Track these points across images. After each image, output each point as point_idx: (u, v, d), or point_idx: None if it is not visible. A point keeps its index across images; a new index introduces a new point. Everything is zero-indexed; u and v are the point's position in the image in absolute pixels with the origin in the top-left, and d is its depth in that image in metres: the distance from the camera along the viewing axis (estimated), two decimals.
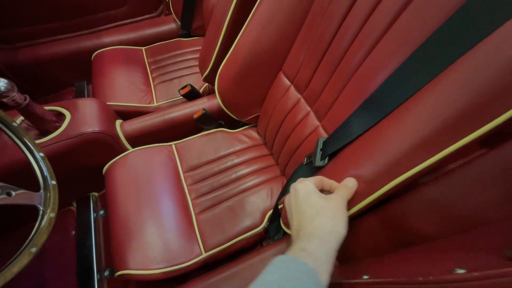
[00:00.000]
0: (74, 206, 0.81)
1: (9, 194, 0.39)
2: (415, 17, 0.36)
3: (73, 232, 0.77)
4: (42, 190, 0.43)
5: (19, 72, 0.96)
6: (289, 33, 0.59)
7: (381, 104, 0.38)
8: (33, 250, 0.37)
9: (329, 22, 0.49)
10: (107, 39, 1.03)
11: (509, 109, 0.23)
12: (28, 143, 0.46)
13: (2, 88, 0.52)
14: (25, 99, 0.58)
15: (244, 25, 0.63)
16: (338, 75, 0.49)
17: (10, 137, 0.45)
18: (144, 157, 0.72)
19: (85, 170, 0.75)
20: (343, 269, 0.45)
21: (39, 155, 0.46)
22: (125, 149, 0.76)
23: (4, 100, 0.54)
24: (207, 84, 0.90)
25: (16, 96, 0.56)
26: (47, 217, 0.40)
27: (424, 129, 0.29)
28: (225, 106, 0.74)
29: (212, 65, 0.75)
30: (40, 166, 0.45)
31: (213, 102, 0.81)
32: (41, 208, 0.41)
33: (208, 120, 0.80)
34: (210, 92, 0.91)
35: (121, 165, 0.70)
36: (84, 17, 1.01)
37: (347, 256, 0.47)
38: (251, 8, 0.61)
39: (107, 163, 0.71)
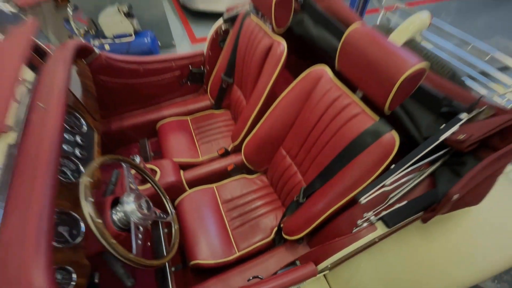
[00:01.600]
0: None
1: (160, 217, 0.83)
2: (336, 141, 0.84)
3: (149, 244, 1.18)
4: (171, 215, 0.88)
5: (107, 135, 1.44)
6: (288, 125, 1.07)
7: (329, 173, 0.85)
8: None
9: (307, 125, 0.97)
10: (165, 112, 1.52)
11: (365, 182, 0.70)
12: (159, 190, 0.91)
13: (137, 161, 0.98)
14: (140, 161, 1.03)
15: (264, 118, 1.11)
16: (311, 154, 0.97)
17: (153, 185, 0.91)
18: (198, 194, 1.16)
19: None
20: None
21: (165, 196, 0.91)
22: (185, 190, 1.20)
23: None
24: (233, 144, 1.36)
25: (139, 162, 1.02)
26: (174, 229, 0.84)
27: (344, 186, 0.76)
28: (247, 162, 1.21)
29: (241, 139, 1.23)
30: (167, 201, 0.90)
31: (239, 159, 1.27)
32: (174, 225, 0.85)
33: (236, 171, 1.27)
34: (235, 151, 1.37)
35: (186, 200, 1.14)
36: (153, 99, 1.52)
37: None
38: (268, 107, 1.09)
39: (176, 198, 1.15)
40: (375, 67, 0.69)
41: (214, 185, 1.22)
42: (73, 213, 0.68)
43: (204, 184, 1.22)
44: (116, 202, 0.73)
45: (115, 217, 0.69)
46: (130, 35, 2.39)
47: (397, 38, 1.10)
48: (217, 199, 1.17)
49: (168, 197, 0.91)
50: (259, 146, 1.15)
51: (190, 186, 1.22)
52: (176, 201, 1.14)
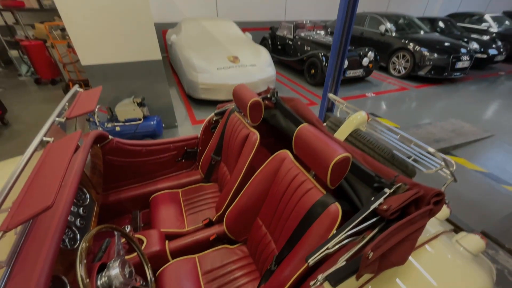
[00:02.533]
0: None
1: (141, 284, 0.90)
2: (297, 211, 1.01)
3: None
4: (150, 283, 0.95)
5: (105, 206, 1.57)
6: (262, 197, 1.24)
7: (294, 240, 0.97)
8: None
9: (276, 197, 1.14)
10: (160, 186, 1.71)
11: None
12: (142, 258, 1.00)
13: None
14: (130, 231, 1.15)
15: (242, 191, 1.28)
16: (281, 223, 1.10)
17: (138, 254, 1.00)
18: (180, 265, 1.22)
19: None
20: None
21: (147, 264, 0.99)
22: (167, 259, 1.27)
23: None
24: (217, 215, 1.49)
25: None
26: None
27: (304, 251, 0.87)
28: (228, 232, 1.32)
29: (223, 210, 1.38)
30: (149, 270, 0.98)
31: (221, 229, 1.38)
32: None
33: (218, 241, 1.36)
34: (219, 221, 1.49)
35: (167, 271, 1.19)
36: (151, 174, 1.73)
37: None
38: (248, 181, 1.28)
39: (160, 267, 1.20)
40: (316, 155, 0.93)
41: (196, 256, 1.29)
42: (63, 278, 0.78)
43: (188, 253, 1.29)
44: (103, 267, 0.84)
45: (99, 282, 0.78)
46: (139, 120, 2.81)
47: (346, 128, 1.41)
48: (197, 271, 1.22)
49: (150, 266, 0.99)
50: (238, 216, 1.28)
51: (174, 256, 1.29)
52: (158, 272, 1.19)
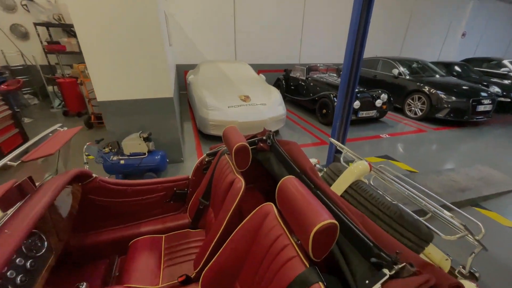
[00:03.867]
0: None
1: None
2: (277, 282, 0.79)
3: None
4: None
5: (80, 249, 1.43)
6: (242, 258, 1.03)
7: None
8: None
9: (256, 261, 0.94)
10: (143, 229, 1.55)
11: None
12: None
13: None
14: None
15: (221, 249, 1.09)
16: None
17: None
18: None
19: None
20: None
21: None
22: None
23: None
24: (194, 271, 1.27)
25: None
26: None
27: None
28: None
29: (201, 267, 1.18)
30: None
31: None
32: None
33: None
34: (197, 279, 1.27)
35: None
36: (134, 215, 1.60)
37: None
38: (229, 235, 1.09)
39: None
40: (297, 217, 0.75)
41: None
42: None
43: None
44: None
45: None
46: (144, 154, 2.79)
47: (345, 178, 1.22)
48: None
49: None
50: (216, 277, 1.07)
51: None
52: None
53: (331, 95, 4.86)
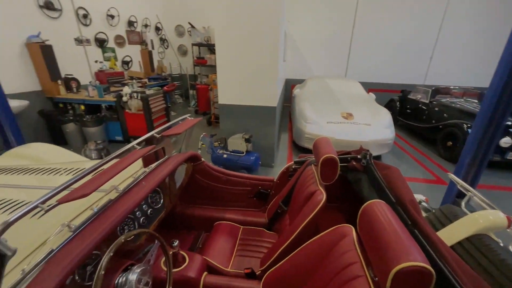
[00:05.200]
0: None
1: None
2: None
3: None
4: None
5: (179, 215, 1.75)
6: (308, 273, 0.97)
7: None
8: None
9: (321, 283, 0.86)
10: (227, 215, 1.74)
11: None
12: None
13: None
14: (177, 245, 1.19)
15: (290, 255, 1.07)
16: None
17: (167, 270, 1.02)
18: None
19: None
20: None
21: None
22: None
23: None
24: (260, 269, 1.29)
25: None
26: None
27: None
28: None
29: (266, 267, 1.19)
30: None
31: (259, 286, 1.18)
32: None
33: None
34: (261, 276, 1.29)
35: None
36: (222, 202, 1.81)
37: None
38: (299, 244, 1.06)
39: None
40: (379, 246, 0.64)
41: None
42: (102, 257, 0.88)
43: None
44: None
45: (119, 279, 0.83)
46: (242, 153, 3.13)
47: (463, 227, 0.90)
48: None
49: None
50: (277, 284, 1.06)
51: None
52: None
53: (465, 126, 3.78)
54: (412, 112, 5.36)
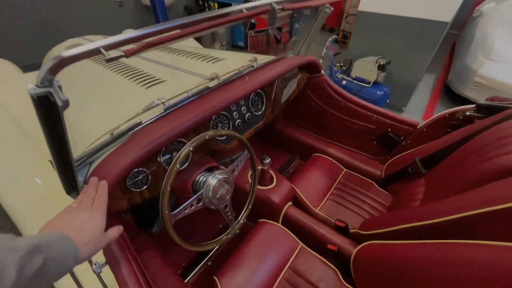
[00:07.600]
0: None
1: (226, 214, 0.77)
2: None
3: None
4: (234, 223, 0.80)
5: (278, 132, 1.53)
6: None
7: None
8: None
9: None
10: (330, 150, 1.38)
11: None
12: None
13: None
14: (268, 163, 0.99)
15: (414, 242, 0.67)
16: None
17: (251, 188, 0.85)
18: (281, 233, 0.95)
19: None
20: None
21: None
22: (277, 219, 1.04)
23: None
24: (357, 230, 0.97)
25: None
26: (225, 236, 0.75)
27: None
28: (353, 269, 0.82)
29: (369, 235, 0.84)
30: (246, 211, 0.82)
31: (349, 251, 0.88)
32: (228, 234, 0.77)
33: (332, 256, 0.91)
34: (354, 239, 0.97)
35: (264, 227, 0.97)
36: (331, 133, 1.42)
37: None
38: (428, 236, 0.64)
39: (264, 217, 1.01)
40: None
41: (301, 245, 0.95)
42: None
43: (296, 231, 0.98)
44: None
45: (199, 178, 0.70)
46: (369, 83, 2.39)
47: None
48: (289, 258, 0.91)
49: (250, 208, 0.81)
50: (374, 266, 0.71)
51: (284, 221, 1.04)
52: (259, 220, 1.02)
53: None
54: None
